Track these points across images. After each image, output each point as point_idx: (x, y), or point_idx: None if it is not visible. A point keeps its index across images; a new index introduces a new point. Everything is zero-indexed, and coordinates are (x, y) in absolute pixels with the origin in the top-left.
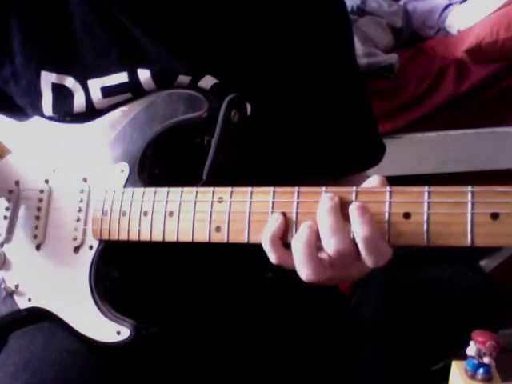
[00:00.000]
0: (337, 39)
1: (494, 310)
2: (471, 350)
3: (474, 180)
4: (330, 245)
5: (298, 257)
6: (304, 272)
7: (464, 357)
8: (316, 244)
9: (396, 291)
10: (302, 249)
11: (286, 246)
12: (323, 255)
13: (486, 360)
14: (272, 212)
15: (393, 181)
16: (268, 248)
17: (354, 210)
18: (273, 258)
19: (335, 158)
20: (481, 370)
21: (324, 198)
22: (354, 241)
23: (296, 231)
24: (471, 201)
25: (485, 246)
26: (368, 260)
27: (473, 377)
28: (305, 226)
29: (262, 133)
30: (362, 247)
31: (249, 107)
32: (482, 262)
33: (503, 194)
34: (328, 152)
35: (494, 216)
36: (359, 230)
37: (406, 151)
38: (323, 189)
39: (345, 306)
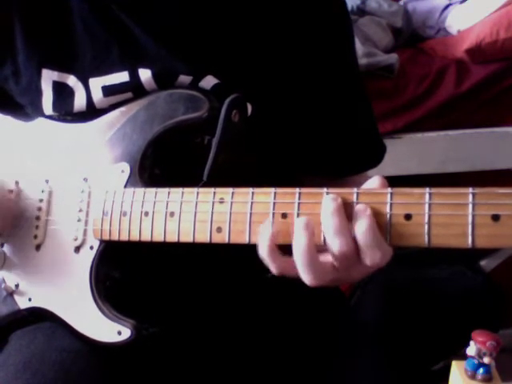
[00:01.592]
0: (337, 39)
1: (494, 310)
2: (471, 350)
3: (474, 180)
4: (335, 246)
5: (299, 263)
6: (307, 278)
7: (464, 357)
8: (316, 248)
9: (396, 291)
10: (301, 256)
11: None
12: (326, 258)
13: (486, 360)
14: (273, 213)
15: (393, 181)
16: (267, 259)
17: (357, 210)
18: (274, 268)
19: (336, 158)
20: (481, 370)
21: (327, 200)
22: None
23: None
24: (472, 202)
25: (485, 247)
26: (367, 257)
27: (473, 377)
28: (299, 230)
29: (262, 133)
30: (361, 242)
31: (249, 107)
32: (482, 262)
33: (504, 196)
34: (329, 152)
35: (495, 217)
36: (359, 224)
37: (406, 151)
38: (324, 190)
39: (345, 306)
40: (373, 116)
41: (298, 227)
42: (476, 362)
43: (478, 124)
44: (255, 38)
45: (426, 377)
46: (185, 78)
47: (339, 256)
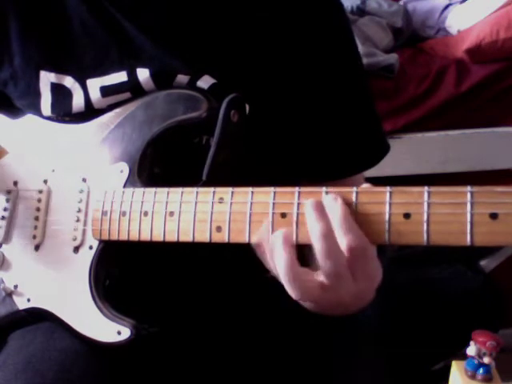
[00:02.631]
0: (334, 38)
1: (494, 310)
2: (471, 350)
3: (474, 180)
4: (326, 267)
5: (282, 278)
6: (292, 292)
7: (464, 357)
8: (296, 261)
9: (396, 291)
10: (284, 272)
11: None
12: (314, 276)
13: (485, 360)
14: (273, 213)
15: (392, 181)
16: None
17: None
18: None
19: (335, 158)
20: (481, 370)
21: (314, 221)
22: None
23: (298, 233)
24: (470, 201)
25: (484, 245)
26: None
27: (473, 377)
28: (278, 246)
29: (261, 133)
30: (336, 225)
31: (247, 107)
32: (482, 262)
33: (502, 194)
34: (328, 151)
35: (493, 216)
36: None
37: (406, 151)
38: (323, 189)
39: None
40: (374, 113)
41: (277, 242)
42: (476, 361)
43: (478, 124)
44: (253, 38)
45: (426, 377)
46: (182, 78)
47: (330, 275)
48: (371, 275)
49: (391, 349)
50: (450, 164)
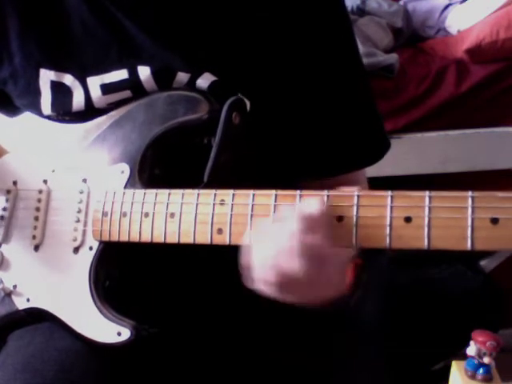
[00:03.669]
0: (334, 35)
1: (494, 310)
2: (471, 350)
3: (473, 180)
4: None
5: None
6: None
7: (464, 357)
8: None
9: (396, 291)
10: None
11: None
12: None
13: (485, 360)
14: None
15: (393, 181)
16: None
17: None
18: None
19: (337, 154)
20: (481, 370)
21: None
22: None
23: None
24: (471, 206)
25: (485, 250)
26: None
27: (473, 377)
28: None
29: (262, 131)
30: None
31: (248, 104)
32: (482, 262)
33: (503, 199)
34: (329, 147)
35: (494, 221)
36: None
37: (406, 151)
38: (325, 192)
39: (345, 306)
40: (375, 110)
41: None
42: (476, 361)
43: (478, 124)
44: (253, 36)
45: (426, 377)
46: (183, 76)
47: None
48: (328, 278)
49: (391, 349)
50: (450, 164)
